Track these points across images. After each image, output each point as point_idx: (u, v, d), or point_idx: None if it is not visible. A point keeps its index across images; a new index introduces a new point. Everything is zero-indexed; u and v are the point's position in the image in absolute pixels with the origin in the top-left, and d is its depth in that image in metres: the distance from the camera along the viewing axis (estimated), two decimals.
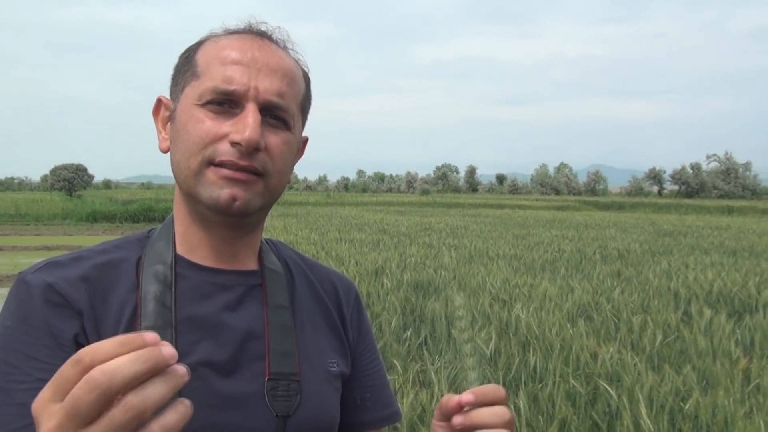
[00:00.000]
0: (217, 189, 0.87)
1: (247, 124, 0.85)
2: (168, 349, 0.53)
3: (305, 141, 1.03)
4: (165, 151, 0.95)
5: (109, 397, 0.50)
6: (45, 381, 0.76)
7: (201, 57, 0.91)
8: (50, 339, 0.81)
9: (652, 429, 3.14)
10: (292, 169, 0.98)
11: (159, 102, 0.97)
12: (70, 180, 48.45)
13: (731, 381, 3.90)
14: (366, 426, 1.04)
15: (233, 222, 0.92)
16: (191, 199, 0.91)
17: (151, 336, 0.52)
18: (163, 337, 0.80)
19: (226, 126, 0.87)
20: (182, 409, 0.54)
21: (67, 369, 0.52)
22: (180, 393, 0.83)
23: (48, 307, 0.82)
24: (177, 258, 0.93)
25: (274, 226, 16.89)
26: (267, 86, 0.88)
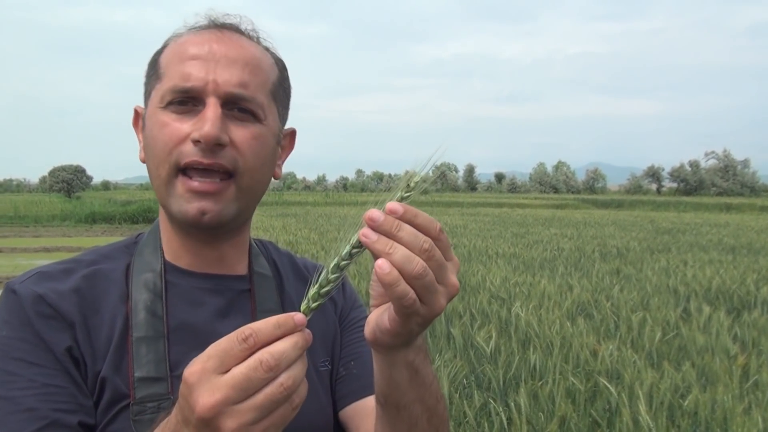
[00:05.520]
0: (185, 203, 0.84)
1: (206, 120, 0.81)
2: (310, 335, 0.61)
3: (292, 133, 0.98)
4: (143, 161, 0.91)
5: (275, 377, 0.58)
6: (51, 386, 0.77)
7: (163, 59, 0.88)
8: (46, 349, 0.80)
9: (651, 426, 3.15)
10: (272, 164, 0.92)
11: (136, 113, 0.94)
12: (69, 181, 48.43)
13: (730, 377, 3.91)
14: (354, 395, 0.98)
15: (210, 231, 0.89)
16: (165, 208, 0.89)
17: (299, 318, 0.60)
18: (156, 348, 0.83)
19: (188, 125, 0.83)
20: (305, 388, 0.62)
21: (233, 345, 0.58)
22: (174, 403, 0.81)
23: (39, 319, 0.81)
24: (165, 265, 0.91)
25: (274, 226, 16.89)
26: (227, 78, 0.83)
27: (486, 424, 3.48)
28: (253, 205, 0.92)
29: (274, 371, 0.57)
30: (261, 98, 0.87)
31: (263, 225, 17.36)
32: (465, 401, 3.65)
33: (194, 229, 0.87)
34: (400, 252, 0.62)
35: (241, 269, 0.96)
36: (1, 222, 26.81)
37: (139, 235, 0.97)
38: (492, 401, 3.65)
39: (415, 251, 0.62)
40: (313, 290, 0.66)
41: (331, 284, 0.66)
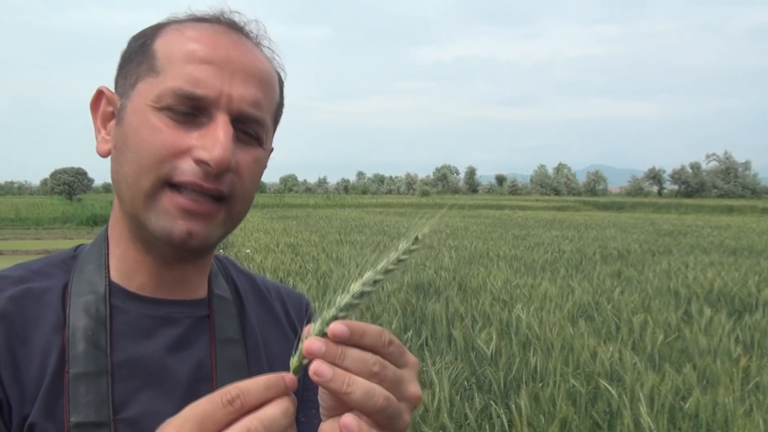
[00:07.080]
0: (171, 221, 0.72)
1: (217, 140, 0.70)
2: (295, 399, 0.55)
3: (271, 151, 0.87)
4: (105, 155, 0.78)
5: None
6: None
7: (161, 48, 0.74)
8: None
9: (652, 428, 3.15)
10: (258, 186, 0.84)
11: (100, 94, 0.80)
12: (70, 184, 48.48)
13: (731, 380, 3.91)
14: None
15: (185, 253, 0.77)
16: (136, 221, 0.75)
17: (290, 380, 0.55)
18: (97, 387, 0.71)
19: (190, 138, 0.71)
20: None
21: (215, 408, 0.51)
22: None
23: None
24: (111, 286, 0.77)
25: (275, 229, 16.90)
26: (242, 94, 0.73)
27: (487, 426, 3.48)
28: (234, 229, 0.82)
29: None
30: (268, 121, 0.78)
31: (264, 227, 17.36)
32: (466, 403, 3.66)
33: (170, 250, 0.76)
34: (359, 389, 0.55)
35: (201, 292, 0.84)
36: (2, 224, 26.83)
37: (79, 247, 0.83)
38: (493, 403, 3.65)
39: (364, 377, 0.56)
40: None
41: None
